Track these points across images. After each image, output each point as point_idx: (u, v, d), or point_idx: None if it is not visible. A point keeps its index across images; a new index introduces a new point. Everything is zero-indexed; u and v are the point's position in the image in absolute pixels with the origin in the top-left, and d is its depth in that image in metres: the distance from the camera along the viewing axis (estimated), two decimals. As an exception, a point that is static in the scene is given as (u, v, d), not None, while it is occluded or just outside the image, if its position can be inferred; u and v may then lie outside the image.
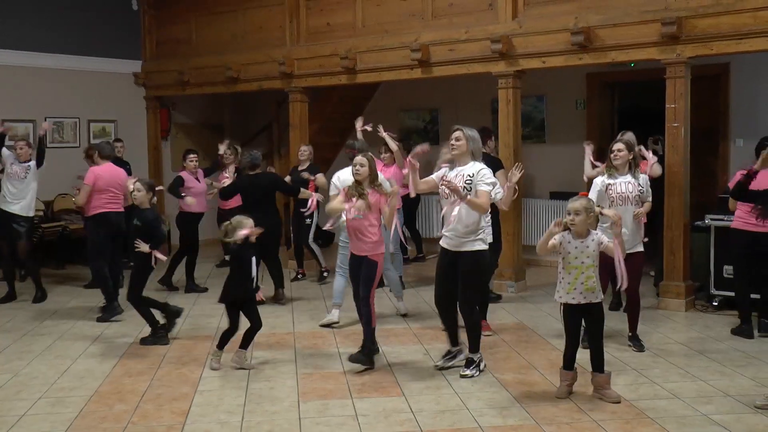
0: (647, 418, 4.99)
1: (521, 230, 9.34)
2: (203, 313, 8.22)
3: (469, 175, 5.82)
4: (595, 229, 5.43)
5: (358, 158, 6.46)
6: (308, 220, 9.57)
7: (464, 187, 5.73)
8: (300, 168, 9.81)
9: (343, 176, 7.45)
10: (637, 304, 6.62)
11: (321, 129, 11.88)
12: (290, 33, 10.93)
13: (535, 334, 7.21)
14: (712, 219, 8.14)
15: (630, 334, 6.64)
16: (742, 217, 7.05)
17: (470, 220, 5.78)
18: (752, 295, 7.18)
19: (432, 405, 5.32)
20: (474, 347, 5.97)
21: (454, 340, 6.17)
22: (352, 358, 6.18)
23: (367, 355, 6.18)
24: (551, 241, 5.32)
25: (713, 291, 8.12)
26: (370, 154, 6.68)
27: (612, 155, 6.62)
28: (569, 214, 5.29)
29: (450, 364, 6.09)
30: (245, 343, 6.30)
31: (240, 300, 6.26)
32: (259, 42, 11.21)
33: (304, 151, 9.93)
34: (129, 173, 10.17)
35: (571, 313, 5.40)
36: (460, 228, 5.80)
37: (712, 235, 8.12)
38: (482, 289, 6.66)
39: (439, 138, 11.65)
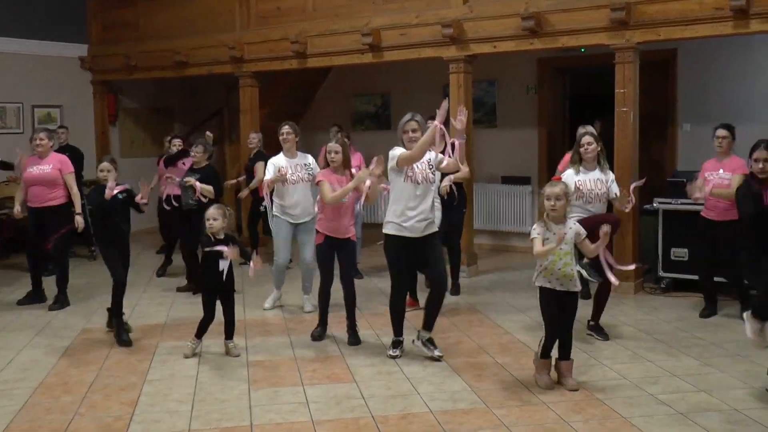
0: (596, 400, 5.07)
1: (473, 215, 9.39)
2: (153, 302, 8.13)
3: (427, 161, 5.89)
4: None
5: (332, 145, 6.52)
6: (261, 208, 9.51)
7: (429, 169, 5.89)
8: (250, 156, 9.74)
9: (277, 162, 7.47)
10: (608, 294, 6.59)
11: (272, 114, 11.78)
12: (240, 17, 10.82)
13: (487, 318, 7.26)
14: (660, 202, 8.29)
15: (593, 323, 6.59)
16: (707, 206, 7.15)
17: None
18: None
19: (383, 390, 5.34)
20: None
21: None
22: (352, 342, 6.42)
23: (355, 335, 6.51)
24: (534, 236, 5.27)
25: (661, 273, 8.27)
26: (343, 139, 6.71)
27: (582, 149, 6.51)
28: (549, 199, 5.20)
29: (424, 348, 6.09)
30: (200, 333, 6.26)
31: (214, 289, 6.16)
32: (208, 26, 11.08)
33: (253, 139, 9.85)
34: (80, 161, 10.02)
35: (548, 300, 5.31)
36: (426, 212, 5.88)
37: (660, 218, 8.27)
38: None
39: (390, 123, 11.65)
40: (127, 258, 6.85)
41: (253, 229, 9.93)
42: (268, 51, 10.46)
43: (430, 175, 5.88)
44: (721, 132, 7.17)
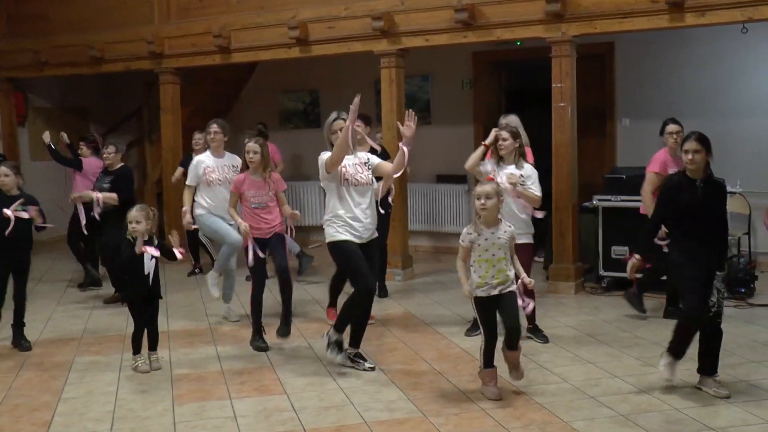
0: (536, 405, 5.13)
1: (407, 216, 9.43)
2: (68, 315, 7.95)
3: (368, 158, 5.94)
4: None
5: (251, 145, 6.47)
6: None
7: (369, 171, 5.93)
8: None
9: (202, 161, 7.46)
10: (532, 291, 6.69)
11: (195, 112, 11.65)
12: (159, 9, 10.67)
13: (423, 323, 7.30)
14: (599, 200, 8.45)
15: (530, 326, 6.66)
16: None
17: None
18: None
19: (315, 402, 5.31)
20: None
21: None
22: (282, 332, 6.44)
23: (289, 325, 6.53)
24: (464, 238, 5.26)
25: (602, 272, 8.43)
26: (262, 139, 6.66)
27: (497, 144, 6.61)
28: (479, 198, 5.19)
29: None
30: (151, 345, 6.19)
31: (138, 298, 6.04)
32: (125, 19, 10.88)
33: (200, 140, 9.70)
34: None
35: (484, 307, 5.30)
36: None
37: (600, 216, 8.43)
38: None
39: (320, 121, 11.62)
40: (24, 270, 6.72)
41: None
42: (190, 45, 10.34)
43: (369, 177, 5.89)
44: (674, 127, 7.26)
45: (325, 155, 5.80)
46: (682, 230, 5.26)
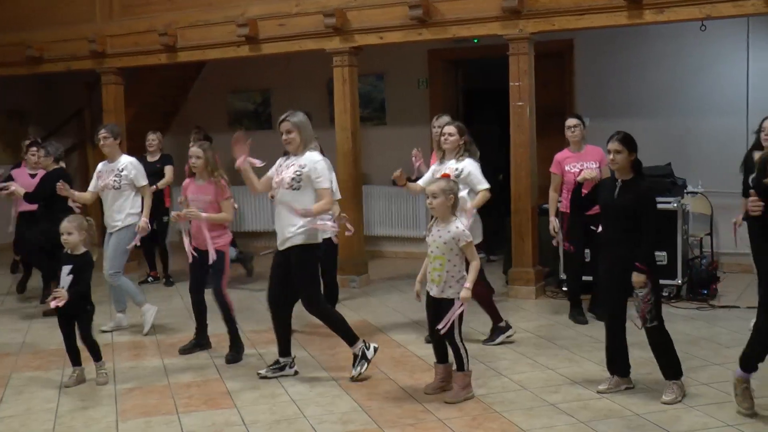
0: (494, 413, 5.17)
1: (362, 220, 9.44)
2: (5, 328, 7.83)
3: (300, 166, 5.79)
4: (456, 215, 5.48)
5: (193, 149, 6.49)
6: (165, 218, 9.32)
7: (293, 178, 5.74)
8: (151, 159, 9.49)
9: (100, 167, 7.51)
10: (485, 299, 6.74)
11: (140, 114, 11.57)
12: (101, 6, 10.57)
13: (379, 331, 7.32)
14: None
15: (493, 326, 6.79)
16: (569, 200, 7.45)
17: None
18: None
19: (267, 415, 5.29)
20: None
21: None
22: (228, 358, 6.45)
23: (239, 351, 6.54)
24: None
25: (563, 276, 8.51)
26: (207, 143, 6.64)
27: (442, 138, 6.70)
28: (427, 197, 5.37)
29: (277, 375, 6.04)
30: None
31: (64, 309, 5.94)
32: (65, 16, 10.74)
33: (153, 140, 9.63)
34: None
35: (427, 304, 5.47)
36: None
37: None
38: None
39: (271, 122, 11.61)
40: None
41: (162, 244, 9.71)
42: (134, 44, 10.25)
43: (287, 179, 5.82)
44: (573, 121, 7.56)
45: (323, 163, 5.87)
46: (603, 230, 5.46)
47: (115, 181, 7.38)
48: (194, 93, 12.52)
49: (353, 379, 5.86)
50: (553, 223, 7.47)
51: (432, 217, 5.52)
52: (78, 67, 10.75)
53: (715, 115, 9.40)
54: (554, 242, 7.72)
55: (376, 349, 6.03)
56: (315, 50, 9.23)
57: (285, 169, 5.82)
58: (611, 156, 5.34)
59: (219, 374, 6.19)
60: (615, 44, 9.82)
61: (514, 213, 8.36)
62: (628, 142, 5.34)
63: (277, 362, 6.10)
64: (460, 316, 5.38)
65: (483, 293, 6.61)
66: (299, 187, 5.74)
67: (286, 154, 5.99)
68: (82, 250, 5.89)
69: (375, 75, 11.07)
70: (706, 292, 8.05)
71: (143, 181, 7.51)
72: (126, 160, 7.53)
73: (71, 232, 5.85)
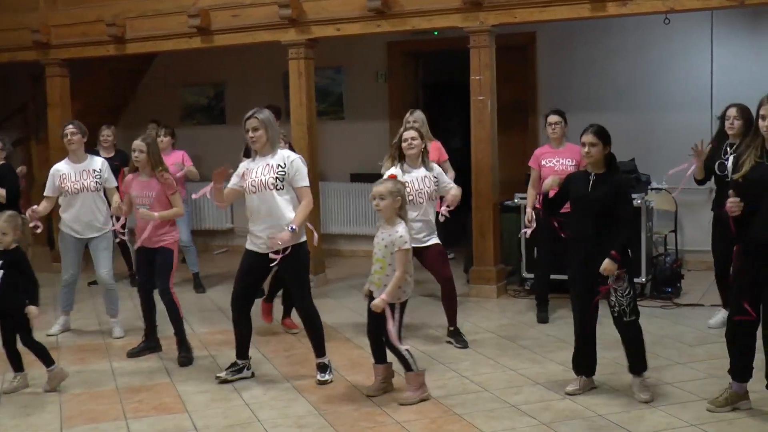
0: (455, 415, 5.18)
1: (319, 218, 9.41)
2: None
3: (279, 165, 5.74)
4: (404, 219, 5.46)
5: (136, 143, 6.42)
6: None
7: (276, 178, 5.69)
8: (105, 156, 9.30)
9: (58, 170, 7.25)
10: (454, 296, 6.77)
11: (87, 108, 11.38)
12: (45, -6, 10.41)
13: (336, 332, 7.29)
14: (521, 198, 8.55)
15: (451, 328, 6.78)
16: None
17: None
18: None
19: (219, 420, 5.25)
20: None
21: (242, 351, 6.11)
22: (181, 361, 6.39)
23: (189, 352, 6.50)
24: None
25: (525, 274, 8.56)
26: (150, 138, 6.55)
27: (405, 144, 6.60)
28: (373, 198, 5.33)
29: (236, 377, 5.99)
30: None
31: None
32: (6, 4, 10.58)
33: (108, 136, 9.46)
34: None
35: (368, 302, 5.47)
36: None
37: (522, 214, 8.51)
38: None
39: (225, 116, 11.53)
40: None
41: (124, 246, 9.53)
42: (81, 35, 10.11)
43: (270, 181, 5.79)
44: (554, 117, 7.61)
45: (239, 168, 5.88)
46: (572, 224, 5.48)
47: (95, 182, 7.21)
48: (145, 86, 12.37)
49: (320, 383, 5.84)
50: (529, 215, 7.47)
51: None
52: (21, 58, 10.59)
53: (679, 110, 9.49)
54: (524, 233, 7.75)
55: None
56: (270, 42, 9.17)
57: (260, 171, 5.73)
58: (586, 149, 5.34)
59: (170, 377, 6.12)
60: (578, 37, 9.89)
61: (475, 210, 8.39)
62: (603, 134, 5.36)
63: (234, 364, 6.04)
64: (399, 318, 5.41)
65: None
66: (283, 186, 5.71)
67: (247, 154, 5.94)
68: (13, 246, 5.80)
69: (332, 68, 11.04)
70: (670, 290, 8.13)
71: (114, 182, 7.38)
72: (99, 160, 7.42)
73: (6, 233, 5.75)
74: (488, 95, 8.29)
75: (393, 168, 6.63)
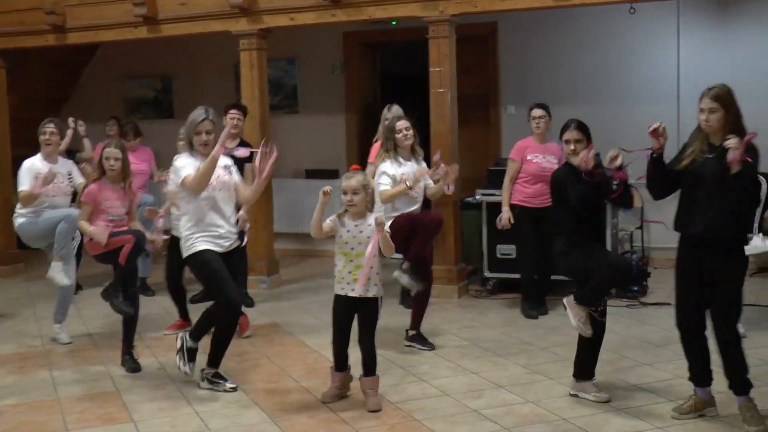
0: (414, 421, 5.19)
1: (273, 216, 9.38)
2: None
3: (225, 165, 5.83)
4: (372, 210, 5.49)
5: (111, 150, 6.32)
6: None
7: (230, 177, 5.81)
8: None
9: (36, 166, 7.15)
10: (427, 299, 6.77)
11: (26, 101, 11.29)
12: (-23, -21, 10.26)
13: (290, 336, 7.29)
14: (483, 194, 8.59)
15: (413, 332, 6.78)
16: (522, 192, 7.57)
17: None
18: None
19: (167, 430, 5.22)
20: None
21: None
22: (131, 369, 6.32)
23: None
24: (324, 223, 5.34)
25: (487, 274, 8.60)
26: (120, 143, 6.50)
27: (400, 135, 6.65)
28: (345, 193, 5.29)
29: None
30: None
31: None
32: (-65, -9, 10.40)
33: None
34: None
35: (339, 307, 5.43)
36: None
37: (483, 212, 8.57)
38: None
39: (173, 110, 11.46)
40: None
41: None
42: (17, 23, 10.00)
43: (230, 179, 5.81)
44: (539, 111, 7.68)
45: (184, 167, 5.67)
46: (579, 228, 5.37)
47: (70, 185, 7.20)
48: (87, 78, 12.25)
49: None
50: (507, 213, 7.54)
51: (346, 211, 5.46)
52: (-46, 48, 10.43)
53: (645, 102, 9.59)
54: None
55: (232, 389, 5.85)
56: (220, 32, 9.12)
57: (220, 171, 5.73)
58: (572, 146, 5.37)
59: (115, 386, 6.06)
60: (541, 28, 9.97)
61: (434, 207, 8.38)
62: (586, 129, 5.44)
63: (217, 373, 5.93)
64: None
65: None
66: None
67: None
68: None
69: (286, 59, 11.01)
70: (636, 288, 8.22)
71: (81, 178, 7.40)
72: (70, 162, 7.39)
73: None
74: (448, 87, 8.31)
75: (387, 161, 6.61)
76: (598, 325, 5.40)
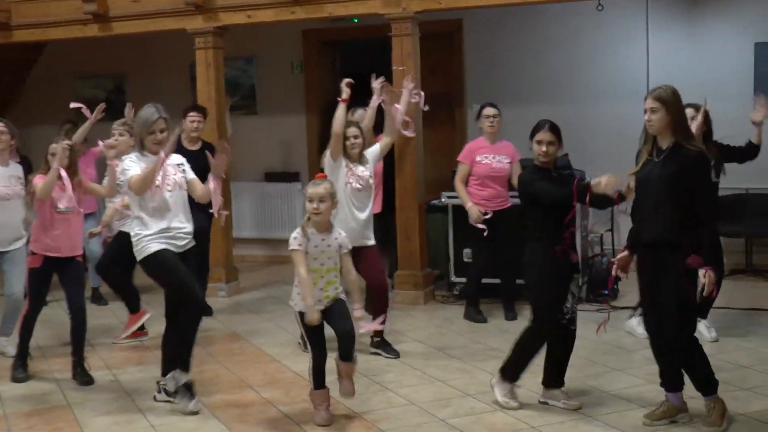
0: (379, 431, 5.19)
1: (232, 221, 9.34)
2: None
3: (178, 164, 5.80)
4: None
5: (54, 146, 6.27)
6: None
7: (183, 177, 5.77)
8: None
9: None
10: (386, 302, 6.72)
11: (-33, 102, 11.14)
12: None
13: (251, 345, 7.27)
14: (449, 197, 8.61)
15: (377, 339, 6.78)
16: (477, 195, 7.61)
17: None
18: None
19: (121, 443, 5.19)
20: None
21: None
22: (84, 382, 6.26)
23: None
24: (296, 254, 5.23)
25: (454, 279, 8.62)
26: (66, 141, 6.43)
27: (348, 143, 6.66)
28: (311, 201, 5.20)
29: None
30: None
31: None
32: None
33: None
34: None
35: (320, 324, 5.31)
36: None
37: (449, 215, 8.59)
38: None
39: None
40: None
41: None
42: (-41, 21, 9.87)
43: (182, 178, 5.77)
44: (492, 110, 7.76)
45: (129, 168, 5.61)
46: (545, 228, 5.40)
47: (24, 188, 7.05)
48: (35, 78, 12.10)
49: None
50: (474, 208, 7.57)
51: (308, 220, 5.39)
52: None
53: (614, 101, 9.67)
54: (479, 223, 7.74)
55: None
56: (175, 30, 9.08)
57: (170, 171, 5.68)
58: (544, 148, 5.38)
59: (66, 400, 6.00)
60: (507, 25, 10.02)
61: (399, 210, 8.41)
62: (559, 131, 5.44)
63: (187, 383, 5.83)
64: None
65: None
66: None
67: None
68: None
69: (243, 58, 10.98)
70: (606, 292, 8.28)
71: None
72: (19, 166, 7.29)
73: None
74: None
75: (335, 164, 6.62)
76: (568, 333, 5.45)
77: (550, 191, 5.31)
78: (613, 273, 5.26)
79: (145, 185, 5.50)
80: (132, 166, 5.63)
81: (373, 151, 6.90)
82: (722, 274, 6.50)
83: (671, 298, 4.91)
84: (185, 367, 5.71)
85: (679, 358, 5.01)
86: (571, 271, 5.44)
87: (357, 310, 5.28)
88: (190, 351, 5.79)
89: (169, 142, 5.49)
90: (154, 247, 5.63)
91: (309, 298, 5.13)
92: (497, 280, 7.98)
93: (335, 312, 5.31)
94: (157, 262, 5.65)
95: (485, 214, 7.59)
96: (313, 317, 5.12)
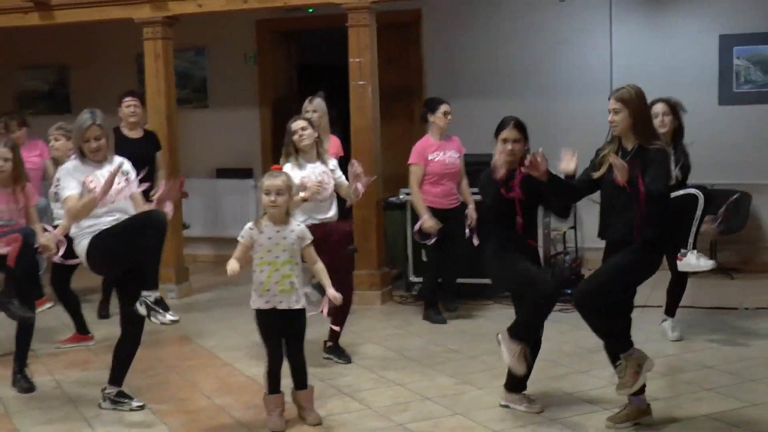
0: (335, 438, 5.21)
1: (181, 219, 9.28)
2: None
3: (123, 171, 5.67)
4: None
5: (1, 150, 6.18)
6: None
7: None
8: None
9: None
10: (349, 304, 6.66)
11: None
12: None
13: (202, 348, 7.23)
14: (407, 194, 8.61)
15: (330, 344, 6.74)
16: (431, 193, 7.62)
17: None
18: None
19: (65, 452, 5.13)
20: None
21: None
22: (25, 389, 6.16)
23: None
24: (240, 243, 5.32)
25: (412, 278, 8.64)
26: (11, 142, 6.36)
27: (297, 137, 6.46)
28: (268, 193, 5.19)
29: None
30: None
31: None
32: None
33: None
34: None
35: (267, 322, 5.33)
36: None
37: (408, 212, 8.60)
38: None
39: (70, 105, 11.27)
40: None
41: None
42: None
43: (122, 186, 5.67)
44: (446, 107, 7.79)
45: (66, 186, 5.47)
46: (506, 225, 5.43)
47: None
48: (-27, 69, 11.98)
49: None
50: (432, 220, 7.52)
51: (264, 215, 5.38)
52: None
53: (577, 95, 9.74)
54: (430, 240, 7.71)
55: (139, 408, 5.76)
56: (122, 20, 8.99)
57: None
58: (509, 146, 5.38)
59: (5, 409, 5.91)
60: (467, 16, 10.05)
61: (356, 208, 8.37)
62: (524, 128, 5.47)
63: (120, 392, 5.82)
64: None
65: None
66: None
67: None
68: None
69: (194, 49, 10.94)
70: (570, 291, 8.32)
71: None
72: None
73: None
74: (369, 80, 8.33)
75: (288, 164, 6.41)
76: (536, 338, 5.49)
77: (488, 195, 5.43)
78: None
79: (80, 216, 5.41)
80: (68, 182, 5.48)
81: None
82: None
83: (611, 263, 5.08)
84: (151, 286, 5.69)
85: (587, 319, 5.22)
86: (531, 255, 5.47)
87: (329, 292, 5.40)
88: (124, 361, 5.82)
89: (101, 189, 5.30)
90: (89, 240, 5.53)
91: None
92: (477, 280, 8.07)
93: (291, 334, 5.36)
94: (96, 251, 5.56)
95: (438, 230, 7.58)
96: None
